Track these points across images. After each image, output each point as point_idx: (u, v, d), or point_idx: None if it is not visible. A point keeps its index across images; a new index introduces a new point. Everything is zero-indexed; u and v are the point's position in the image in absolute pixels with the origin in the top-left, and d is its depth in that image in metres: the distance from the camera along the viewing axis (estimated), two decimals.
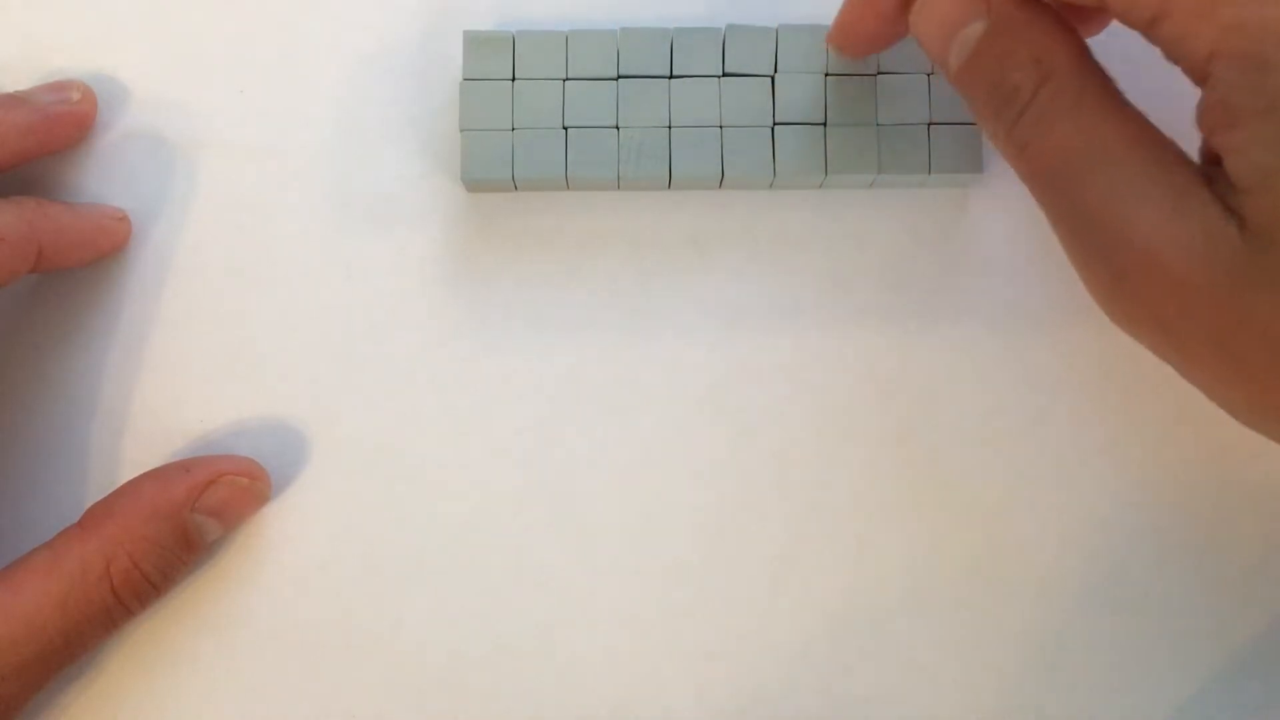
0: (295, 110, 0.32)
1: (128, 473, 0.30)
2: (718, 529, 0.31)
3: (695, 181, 0.31)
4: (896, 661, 0.31)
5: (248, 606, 0.31)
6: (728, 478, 0.31)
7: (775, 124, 0.30)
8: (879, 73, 0.30)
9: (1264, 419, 0.24)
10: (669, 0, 0.32)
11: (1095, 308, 0.31)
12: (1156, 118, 0.24)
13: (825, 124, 0.30)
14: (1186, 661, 0.31)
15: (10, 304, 0.31)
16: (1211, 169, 0.23)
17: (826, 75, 0.30)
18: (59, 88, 0.31)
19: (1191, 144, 0.24)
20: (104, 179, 0.32)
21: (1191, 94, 0.23)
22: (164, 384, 0.31)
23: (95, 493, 0.30)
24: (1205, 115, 0.23)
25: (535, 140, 0.30)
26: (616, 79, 0.30)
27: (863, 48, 0.30)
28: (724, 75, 0.30)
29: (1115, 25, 0.26)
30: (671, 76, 0.30)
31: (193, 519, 0.29)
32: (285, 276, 0.31)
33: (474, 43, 0.30)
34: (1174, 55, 0.23)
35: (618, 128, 0.30)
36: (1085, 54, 0.25)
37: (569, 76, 0.30)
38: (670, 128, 0.30)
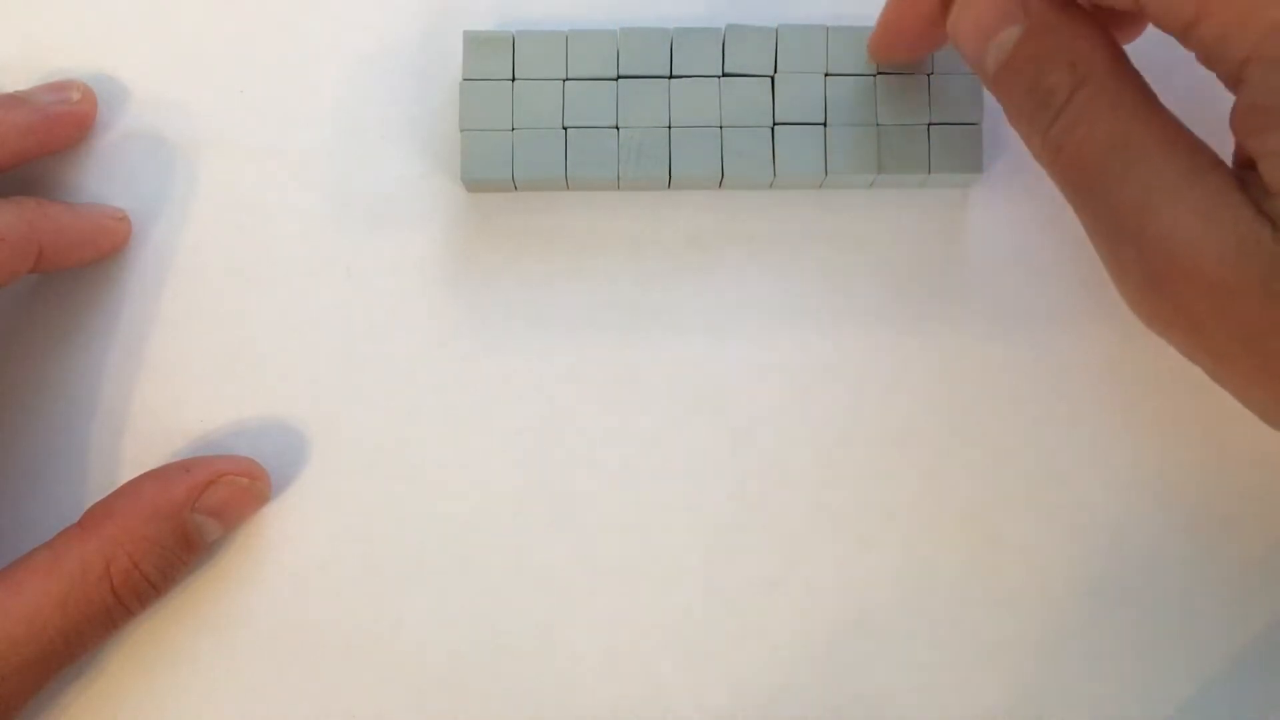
0: (295, 110, 0.32)
1: (128, 473, 0.30)
2: (717, 529, 0.31)
3: (695, 181, 0.31)
4: (896, 662, 0.31)
5: (248, 606, 0.31)
6: (727, 477, 0.31)
7: (775, 124, 0.30)
8: (879, 73, 0.30)
9: None
10: (669, 0, 0.32)
11: (1095, 308, 0.31)
12: (1188, 123, 0.24)
13: (825, 124, 0.30)
14: (1187, 662, 0.31)
15: (10, 304, 0.31)
16: (1245, 173, 0.23)
17: (826, 75, 0.30)
18: (59, 88, 0.31)
19: (1223, 149, 0.24)
20: (104, 179, 0.32)
21: (1223, 99, 0.24)
22: (164, 384, 0.31)
23: (95, 493, 0.30)
24: (1239, 119, 0.23)
25: (535, 140, 0.30)
26: (616, 79, 0.30)
27: (903, 51, 0.30)
28: (724, 75, 0.30)
29: (1147, 33, 0.26)
30: (671, 76, 0.30)
31: (193, 519, 0.29)
32: (285, 276, 0.31)
33: (474, 43, 0.30)
34: (1209, 59, 0.24)
35: (618, 128, 0.30)
36: (1121, 58, 0.25)
37: (569, 76, 0.30)
38: (670, 128, 0.30)
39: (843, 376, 0.31)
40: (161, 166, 0.32)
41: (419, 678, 0.30)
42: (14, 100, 0.30)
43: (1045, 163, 0.26)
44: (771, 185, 0.31)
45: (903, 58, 0.30)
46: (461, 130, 0.30)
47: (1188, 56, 0.24)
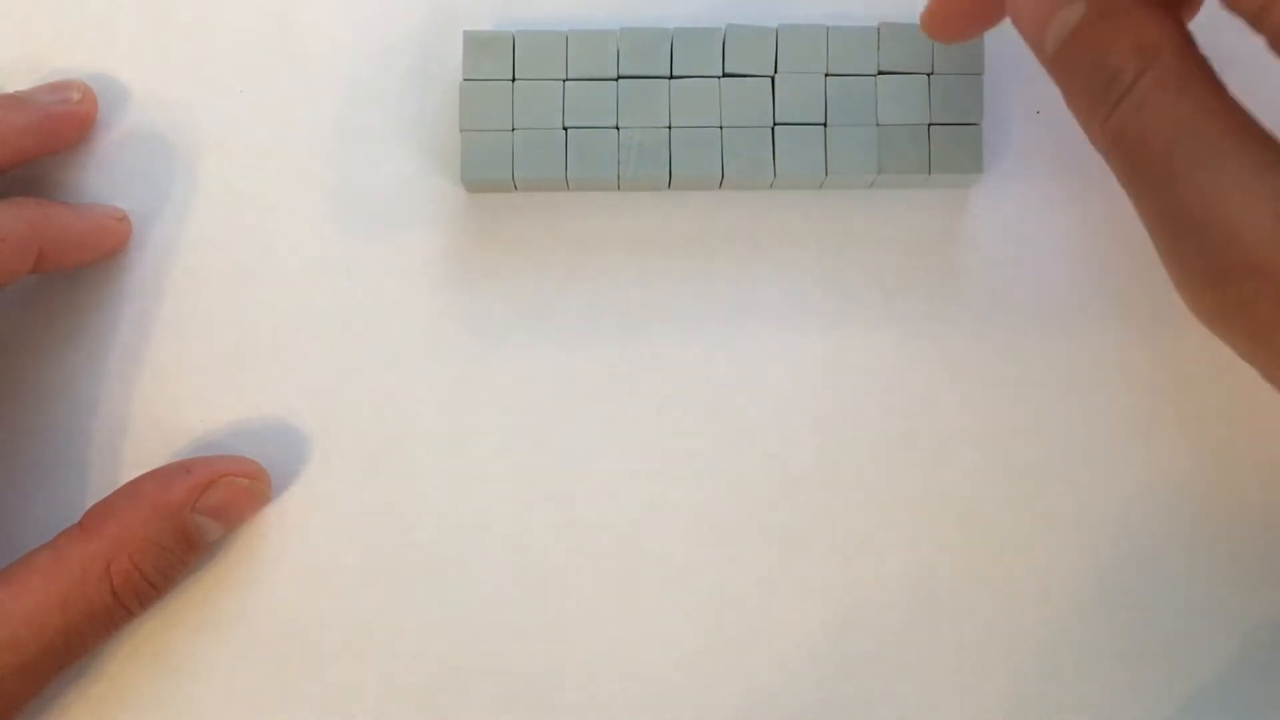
0: (295, 110, 0.32)
1: (128, 473, 0.30)
2: (717, 529, 0.31)
3: (695, 181, 0.31)
4: (897, 662, 0.31)
5: (248, 606, 0.31)
6: (728, 478, 0.31)
7: (775, 124, 0.30)
8: (879, 73, 0.30)
9: None
10: (669, 0, 0.32)
11: (1095, 308, 0.31)
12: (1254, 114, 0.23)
13: (825, 124, 0.30)
14: (1188, 662, 0.31)
15: (10, 304, 0.31)
16: None
17: (827, 75, 0.30)
18: (59, 88, 0.31)
19: None
20: (104, 179, 0.32)
21: None
22: (164, 384, 0.31)
23: (95, 493, 0.30)
24: None
25: (535, 140, 0.30)
26: (616, 79, 0.30)
27: (957, 27, 0.29)
28: (724, 75, 0.30)
29: (1205, 19, 0.25)
30: (671, 77, 0.30)
31: (193, 519, 0.29)
32: (285, 276, 0.31)
33: (474, 43, 0.30)
34: None
35: (618, 128, 0.30)
36: (1190, 42, 0.24)
37: (569, 77, 0.30)
38: (670, 128, 0.30)
39: (843, 376, 0.31)
40: (161, 166, 0.32)
41: (419, 678, 0.30)
42: (14, 100, 0.30)
43: (1104, 149, 0.24)
44: (771, 185, 0.31)
45: (956, 35, 0.29)
46: (461, 131, 0.30)
47: (1254, 46, 0.23)
